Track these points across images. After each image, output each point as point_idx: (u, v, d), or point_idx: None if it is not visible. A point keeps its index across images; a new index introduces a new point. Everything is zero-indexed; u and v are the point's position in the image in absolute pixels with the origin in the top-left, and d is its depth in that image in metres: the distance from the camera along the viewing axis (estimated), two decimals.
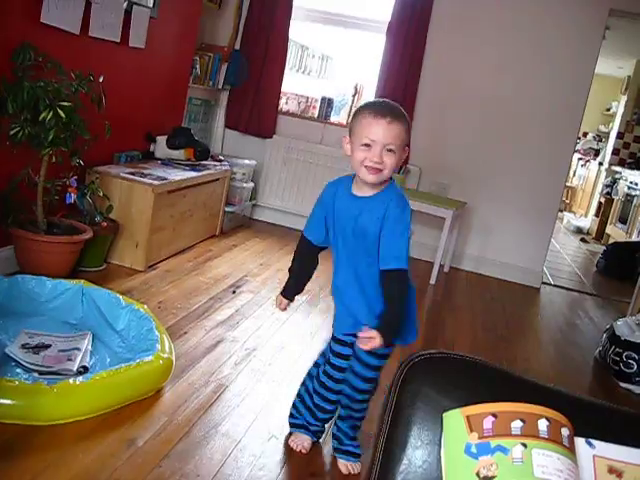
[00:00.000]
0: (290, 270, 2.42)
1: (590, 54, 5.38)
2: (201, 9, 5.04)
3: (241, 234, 5.33)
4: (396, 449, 1.14)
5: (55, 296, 3.02)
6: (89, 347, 2.67)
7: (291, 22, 5.70)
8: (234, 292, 3.90)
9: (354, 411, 2.31)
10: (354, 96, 6.03)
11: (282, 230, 5.75)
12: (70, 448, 2.08)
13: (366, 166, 1.99)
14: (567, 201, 10.97)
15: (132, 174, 3.93)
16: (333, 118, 6.06)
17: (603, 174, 9.75)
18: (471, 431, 1.06)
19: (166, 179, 4.02)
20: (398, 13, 5.43)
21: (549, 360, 4.09)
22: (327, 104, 5.94)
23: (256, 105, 5.75)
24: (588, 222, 9.86)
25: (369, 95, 5.91)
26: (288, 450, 2.36)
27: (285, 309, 2.43)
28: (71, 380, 2.24)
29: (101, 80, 3.34)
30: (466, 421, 1.08)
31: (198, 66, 5.17)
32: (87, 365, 2.52)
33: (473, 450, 1.04)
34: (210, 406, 2.53)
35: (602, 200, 9.29)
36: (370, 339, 1.99)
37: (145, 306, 3.00)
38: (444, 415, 1.11)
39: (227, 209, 5.17)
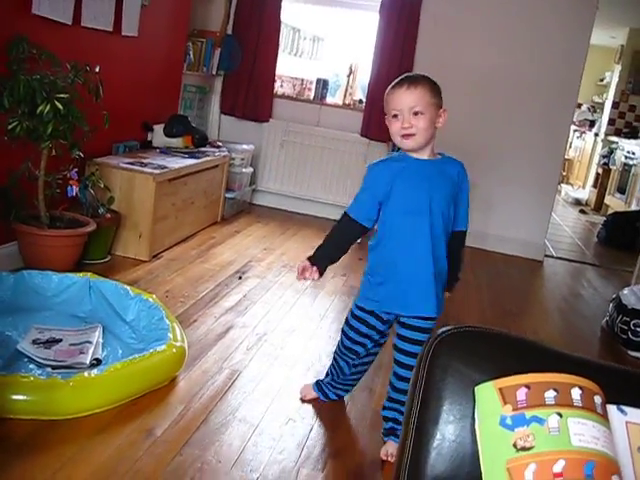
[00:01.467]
0: (326, 239, 2.32)
1: (584, 25, 5.34)
2: None
3: (242, 220, 5.31)
4: (428, 425, 1.13)
5: (62, 290, 3.01)
6: (100, 339, 2.66)
7: (282, 4, 5.64)
8: (240, 278, 3.89)
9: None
10: (349, 76, 5.99)
11: (283, 214, 5.73)
12: (88, 442, 2.07)
13: (401, 136, 2.09)
14: (564, 173, 10.95)
15: (132, 164, 3.91)
16: (329, 99, 6.02)
17: (599, 145, 9.73)
18: (505, 403, 1.05)
19: (166, 167, 4.00)
20: None
21: (557, 331, 4.09)
22: (322, 85, 5.91)
23: (251, 89, 5.71)
24: (586, 193, 9.84)
25: (364, 75, 5.87)
26: (307, 433, 2.36)
27: (304, 277, 2.30)
28: (86, 373, 2.23)
29: (97, 70, 3.31)
30: (499, 393, 1.07)
31: (191, 52, 5.12)
32: (100, 357, 2.51)
33: (508, 422, 1.03)
34: (225, 392, 2.53)
35: (599, 171, 9.26)
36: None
37: (154, 296, 2.99)
38: (476, 388, 1.11)
39: (227, 195, 5.15)
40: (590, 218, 8.65)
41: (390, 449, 2.25)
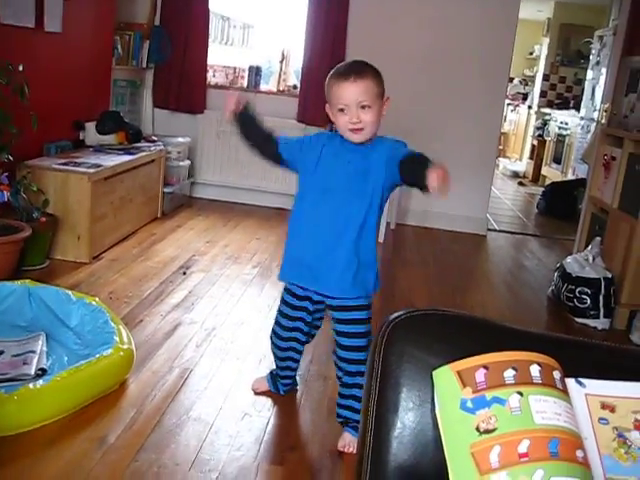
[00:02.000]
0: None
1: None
2: None
3: (183, 214, 5.22)
4: (388, 414, 1.10)
5: (0, 300, 2.89)
6: (44, 348, 2.56)
7: None
8: (184, 273, 3.82)
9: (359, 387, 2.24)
10: (281, 62, 5.93)
11: (224, 205, 5.65)
12: (41, 455, 2.00)
13: (349, 130, 2.04)
14: (501, 147, 11.10)
15: (65, 164, 3.79)
16: (263, 87, 5.95)
17: (533, 117, 9.88)
18: (464, 386, 1.03)
19: (101, 166, 3.89)
20: None
21: (505, 303, 4.13)
22: (255, 73, 5.82)
23: (183, 81, 5.59)
24: (523, 165, 10.00)
25: (296, 60, 5.82)
26: (264, 427, 2.32)
27: (230, 107, 2.21)
28: (31, 385, 2.14)
29: (21, 69, 3.18)
30: (457, 376, 1.05)
31: (119, 46, 4.99)
32: (45, 367, 2.42)
33: (469, 405, 1.01)
34: (178, 392, 2.47)
35: (535, 143, 9.42)
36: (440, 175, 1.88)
37: (97, 299, 2.90)
38: (434, 373, 1.08)
39: (166, 190, 5.05)
40: (529, 190, 8.79)
41: (347, 440, 2.23)
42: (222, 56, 6.34)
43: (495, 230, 6.06)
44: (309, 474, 2.11)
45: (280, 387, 2.54)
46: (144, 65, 5.48)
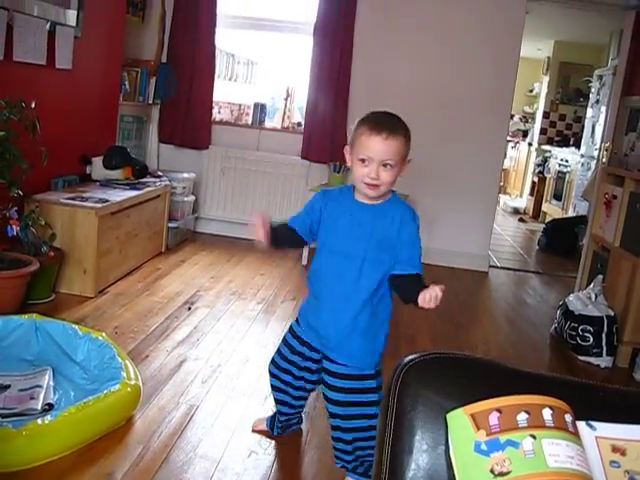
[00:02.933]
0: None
1: (514, 38, 5.48)
2: (125, 24, 4.94)
3: (187, 249, 5.25)
4: (402, 455, 1.12)
5: (7, 333, 2.90)
6: (51, 383, 2.58)
7: (216, 30, 5.63)
8: (189, 309, 3.84)
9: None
10: (286, 99, 6.01)
11: (228, 241, 5.69)
12: None
13: (364, 182, 1.98)
14: (501, 183, 11.17)
15: (72, 199, 3.83)
16: (267, 123, 6.02)
17: (533, 154, 9.97)
18: (478, 429, 1.05)
19: (108, 201, 3.93)
20: (323, 12, 5.42)
21: (508, 341, 4.14)
22: (260, 110, 5.91)
23: (189, 117, 5.67)
24: (524, 202, 10.06)
25: (301, 97, 5.89)
26: (270, 465, 2.33)
27: (261, 236, 2.12)
28: (39, 420, 2.15)
29: (33, 106, 3.24)
30: (471, 419, 1.07)
31: (127, 82, 5.07)
32: (52, 402, 2.43)
33: (483, 447, 1.03)
34: (184, 429, 2.48)
35: (535, 179, 9.49)
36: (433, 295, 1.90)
37: (103, 334, 2.92)
38: (447, 416, 1.10)
39: (170, 225, 5.09)
40: (529, 226, 8.84)
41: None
42: (227, 92, 6.41)
43: (496, 267, 6.09)
44: None
45: (275, 427, 2.52)
46: (150, 101, 5.56)
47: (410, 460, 1.12)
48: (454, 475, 1.06)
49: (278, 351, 2.34)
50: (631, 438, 1.12)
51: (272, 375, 2.37)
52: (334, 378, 2.13)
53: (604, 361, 3.80)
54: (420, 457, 1.12)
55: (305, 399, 2.41)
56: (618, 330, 3.82)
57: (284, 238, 2.22)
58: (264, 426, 2.55)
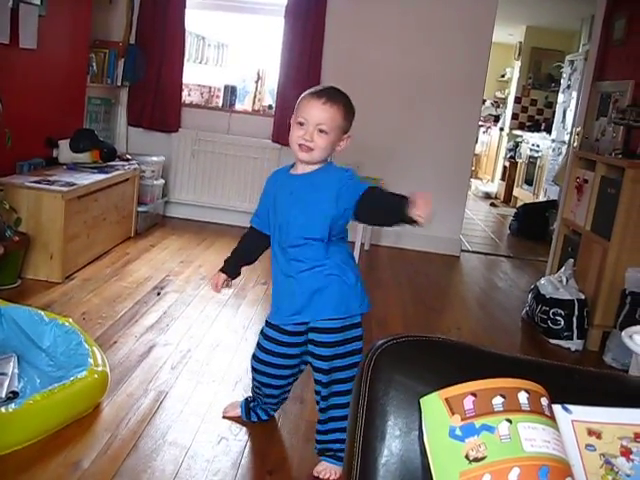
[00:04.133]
0: (234, 250, 2.38)
1: (487, 23, 5.46)
2: (91, 3, 4.83)
3: (157, 233, 5.18)
4: (375, 441, 1.09)
5: None
6: (15, 370, 2.51)
7: (185, 12, 5.53)
8: (159, 294, 3.78)
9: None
10: (257, 82, 5.93)
11: (198, 225, 5.62)
12: None
13: (299, 144, 2.04)
14: (473, 168, 11.20)
15: (38, 182, 3.74)
16: (238, 106, 5.95)
17: (505, 139, 10.00)
18: (452, 414, 1.02)
19: (75, 184, 3.85)
20: None
21: (479, 324, 4.15)
22: (231, 92, 5.83)
23: (158, 99, 5.58)
24: (495, 187, 10.09)
25: (272, 80, 5.83)
26: (241, 450, 2.29)
27: (219, 289, 2.35)
28: (3, 408, 2.09)
29: None
30: (445, 404, 1.04)
31: (94, 64, 4.96)
32: (17, 390, 2.37)
33: (458, 433, 1.00)
34: (153, 416, 2.44)
35: (506, 164, 9.52)
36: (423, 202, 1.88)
37: (70, 319, 2.85)
38: (421, 400, 1.07)
39: (139, 209, 5.01)
40: (501, 211, 8.87)
41: (324, 466, 2.21)
42: (197, 75, 6.32)
43: (468, 251, 6.10)
44: None
45: (252, 415, 2.49)
46: (119, 83, 5.46)
47: (383, 446, 1.09)
48: (428, 461, 1.03)
49: (262, 348, 2.30)
50: (606, 421, 1.11)
51: (261, 372, 2.32)
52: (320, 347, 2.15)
53: (575, 344, 3.81)
54: (393, 443, 1.09)
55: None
56: (589, 313, 3.83)
57: (247, 253, 2.35)
58: (237, 412, 2.50)
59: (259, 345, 2.30)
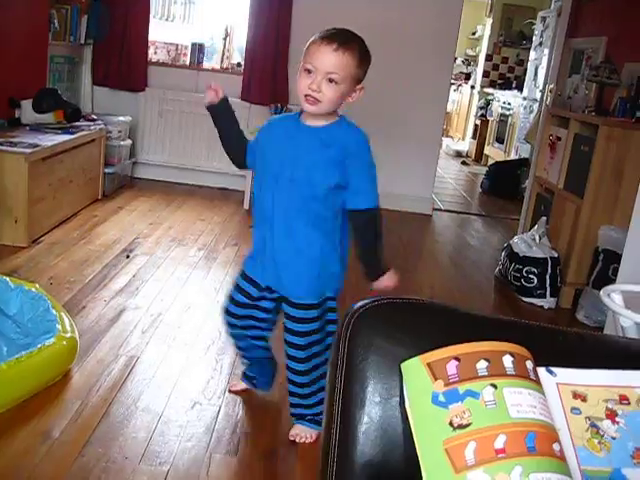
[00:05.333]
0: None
1: None
2: None
3: (125, 195, 5.07)
4: (354, 408, 1.05)
5: None
6: None
7: None
8: (128, 256, 3.71)
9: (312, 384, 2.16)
10: (225, 39, 5.80)
11: (167, 185, 5.52)
12: None
13: (305, 95, 1.86)
14: (444, 126, 11.16)
15: (0, 144, 3.62)
16: (206, 64, 5.81)
17: (476, 97, 9.94)
18: (435, 379, 0.99)
19: (38, 145, 3.73)
20: None
21: (453, 283, 4.14)
22: (198, 50, 5.69)
23: (124, 58, 5.42)
24: (466, 145, 10.06)
25: (240, 37, 5.69)
26: (214, 416, 2.25)
27: (214, 97, 2.10)
28: None
29: None
30: (428, 369, 1.01)
31: (56, 21, 4.78)
32: None
33: (441, 399, 0.97)
34: (124, 382, 2.38)
35: (478, 122, 9.48)
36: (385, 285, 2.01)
37: (37, 285, 2.77)
38: (402, 365, 1.03)
39: (107, 170, 4.89)
40: (472, 169, 8.85)
41: (299, 429, 2.18)
42: (163, 32, 6.15)
43: (441, 209, 6.08)
44: (262, 463, 2.06)
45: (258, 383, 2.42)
46: (82, 41, 5.28)
47: (362, 413, 1.05)
48: (410, 428, 0.99)
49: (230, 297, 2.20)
50: (591, 384, 1.08)
51: (229, 323, 2.23)
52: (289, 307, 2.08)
53: (548, 302, 3.82)
54: (373, 410, 1.05)
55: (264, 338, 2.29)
56: (561, 272, 3.84)
57: (231, 125, 2.14)
58: (242, 385, 2.43)
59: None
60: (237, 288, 2.16)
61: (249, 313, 2.16)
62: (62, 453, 1.92)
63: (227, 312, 2.19)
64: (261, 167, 2.02)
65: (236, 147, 2.14)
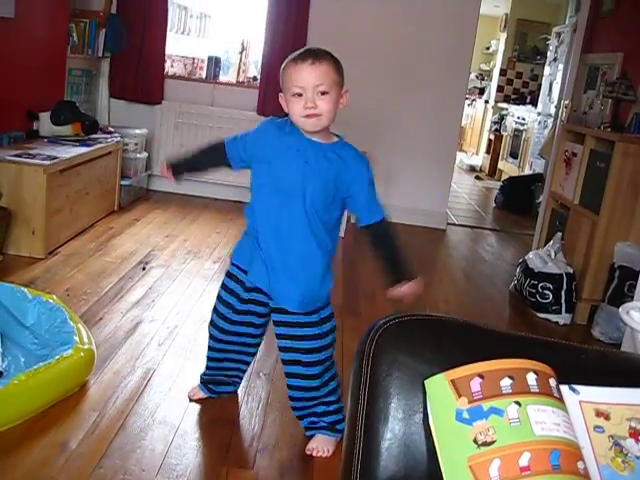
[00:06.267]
0: (192, 152, 2.27)
1: None
2: None
3: (141, 207, 5.10)
4: (378, 424, 1.06)
5: None
6: None
7: None
8: (144, 269, 3.72)
9: (321, 397, 2.17)
10: (241, 53, 5.83)
11: (182, 198, 5.54)
12: None
13: (305, 116, 1.90)
14: (458, 141, 11.17)
15: (19, 156, 3.65)
16: (222, 78, 5.85)
17: (490, 112, 9.95)
18: (459, 396, 0.99)
19: (57, 158, 3.76)
20: None
21: (468, 298, 4.13)
22: (214, 64, 5.72)
23: (141, 71, 5.46)
24: (480, 160, 10.06)
25: (257, 51, 5.73)
26: (231, 429, 2.26)
27: (166, 174, 2.23)
28: None
29: None
30: (451, 386, 1.01)
31: (75, 34, 4.84)
32: (1, 369, 2.32)
33: (465, 416, 0.97)
34: (141, 394, 2.39)
35: (492, 137, 9.48)
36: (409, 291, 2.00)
37: (54, 296, 2.79)
38: (426, 382, 1.04)
39: (123, 183, 4.92)
40: (485, 184, 8.84)
41: (315, 444, 2.18)
42: (179, 46, 6.20)
43: (454, 224, 6.07)
44: (279, 477, 2.05)
45: (217, 388, 2.43)
46: (100, 54, 5.33)
47: (386, 429, 1.05)
48: (434, 445, 1.00)
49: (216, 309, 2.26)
50: (614, 402, 1.08)
51: (214, 337, 2.28)
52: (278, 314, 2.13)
53: (563, 318, 3.81)
54: (396, 426, 1.05)
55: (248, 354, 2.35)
56: (577, 287, 3.82)
57: (202, 159, 2.24)
58: (201, 394, 2.42)
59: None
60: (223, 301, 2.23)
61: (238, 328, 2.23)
62: (80, 464, 1.93)
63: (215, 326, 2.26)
64: (266, 180, 2.03)
65: (216, 166, 2.24)
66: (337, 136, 2.04)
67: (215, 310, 2.27)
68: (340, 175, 1.95)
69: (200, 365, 2.64)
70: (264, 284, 2.07)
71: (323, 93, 1.89)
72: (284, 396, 2.49)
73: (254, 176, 2.08)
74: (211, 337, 2.30)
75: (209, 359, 2.36)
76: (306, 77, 1.87)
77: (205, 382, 2.41)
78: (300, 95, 1.89)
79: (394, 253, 2.06)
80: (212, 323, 2.28)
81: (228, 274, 2.21)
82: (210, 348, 2.32)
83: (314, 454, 2.15)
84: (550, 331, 3.67)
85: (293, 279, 2.03)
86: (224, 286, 2.22)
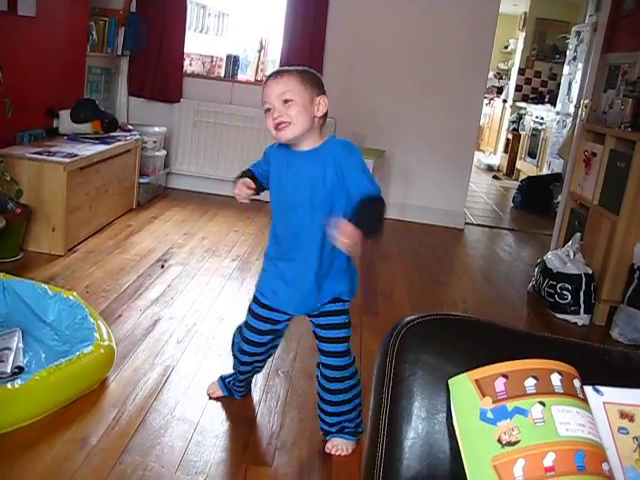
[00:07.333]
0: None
1: None
2: None
3: (159, 205, 5.12)
4: (401, 423, 1.06)
5: None
6: (20, 345, 2.48)
7: None
8: (162, 266, 3.74)
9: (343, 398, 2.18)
10: (260, 52, 5.84)
11: (200, 196, 5.57)
12: (18, 459, 1.92)
13: (275, 126, 1.94)
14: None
15: (39, 153, 3.68)
16: (240, 76, 5.86)
17: (508, 111, 9.90)
18: (483, 395, 0.99)
19: (76, 155, 3.79)
20: None
21: (486, 298, 4.11)
22: (233, 62, 5.74)
23: (159, 69, 5.49)
24: (498, 159, 10.01)
25: (275, 49, 5.73)
26: (250, 426, 2.26)
27: (247, 196, 2.10)
28: (9, 384, 2.06)
29: None
30: (475, 385, 1.01)
31: (94, 32, 4.87)
32: (22, 365, 2.34)
33: (489, 416, 0.97)
34: (160, 390, 2.41)
35: (509, 136, 9.43)
36: (343, 231, 1.76)
37: (74, 293, 2.81)
38: (450, 381, 1.04)
39: (142, 180, 4.95)
40: (503, 183, 8.81)
41: (335, 442, 2.19)
42: (198, 44, 6.22)
43: (472, 224, 6.05)
44: (298, 475, 2.06)
45: (236, 391, 2.45)
46: (119, 52, 5.36)
47: (409, 428, 1.05)
48: (457, 444, 1.00)
49: (247, 326, 2.24)
50: (638, 403, 1.07)
51: (243, 351, 2.28)
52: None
53: (581, 319, 3.79)
54: (420, 425, 1.05)
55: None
56: (596, 288, 3.80)
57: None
58: (220, 392, 2.44)
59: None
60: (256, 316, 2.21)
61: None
62: (100, 460, 1.95)
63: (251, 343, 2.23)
64: (275, 199, 2.10)
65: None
66: (330, 136, 2.07)
67: (244, 339, 2.26)
68: (327, 167, 1.95)
69: (218, 362, 2.67)
70: (309, 307, 2.11)
71: (287, 101, 1.93)
72: (302, 394, 2.51)
73: (270, 197, 2.12)
74: (241, 363, 2.31)
75: (240, 372, 2.36)
76: (270, 91, 1.95)
77: (227, 384, 2.43)
78: (269, 109, 1.96)
79: (364, 205, 1.88)
80: (241, 350, 2.28)
81: (254, 315, 2.21)
82: (240, 363, 2.32)
83: (333, 452, 2.16)
84: (568, 332, 3.65)
85: (330, 277, 2.07)
86: (253, 328, 2.22)
